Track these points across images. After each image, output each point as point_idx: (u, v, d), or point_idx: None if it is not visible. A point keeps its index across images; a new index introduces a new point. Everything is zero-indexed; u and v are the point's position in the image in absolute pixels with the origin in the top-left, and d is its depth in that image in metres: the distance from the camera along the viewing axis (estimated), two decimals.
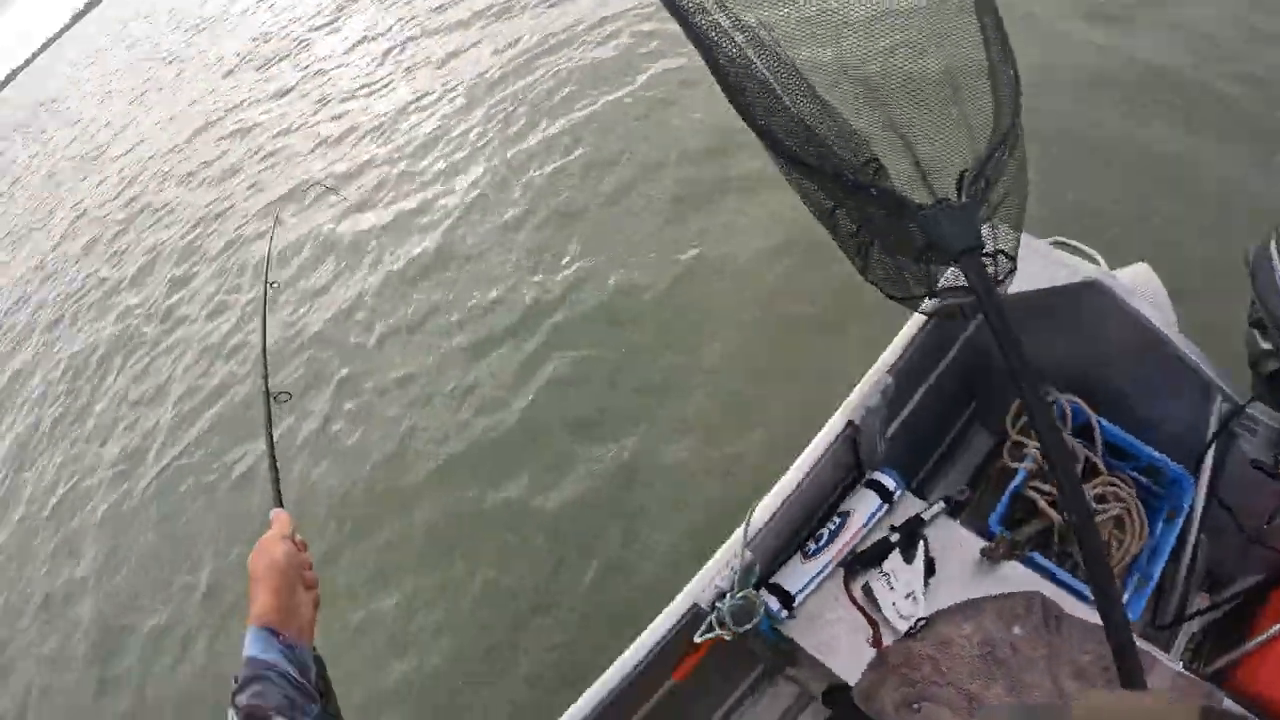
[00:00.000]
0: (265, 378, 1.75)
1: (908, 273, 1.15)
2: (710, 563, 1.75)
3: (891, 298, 1.21)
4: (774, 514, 1.78)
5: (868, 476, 1.95)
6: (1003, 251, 1.05)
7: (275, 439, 1.61)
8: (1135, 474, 2.00)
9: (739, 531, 1.76)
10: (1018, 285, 1.93)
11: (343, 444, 4.58)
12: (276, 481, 1.42)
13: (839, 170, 1.03)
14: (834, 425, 1.86)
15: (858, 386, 1.90)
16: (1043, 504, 1.92)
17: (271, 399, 1.70)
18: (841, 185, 1.04)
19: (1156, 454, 1.96)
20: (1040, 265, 1.95)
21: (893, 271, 1.17)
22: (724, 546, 1.77)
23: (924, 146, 1.10)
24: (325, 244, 6.47)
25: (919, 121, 1.11)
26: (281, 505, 1.31)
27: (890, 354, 1.93)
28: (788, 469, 1.84)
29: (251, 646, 0.92)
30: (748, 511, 1.78)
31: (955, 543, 1.82)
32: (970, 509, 2.03)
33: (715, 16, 0.99)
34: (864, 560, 1.82)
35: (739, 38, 1.01)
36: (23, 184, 14.18)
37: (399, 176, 6.88)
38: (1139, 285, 2.02)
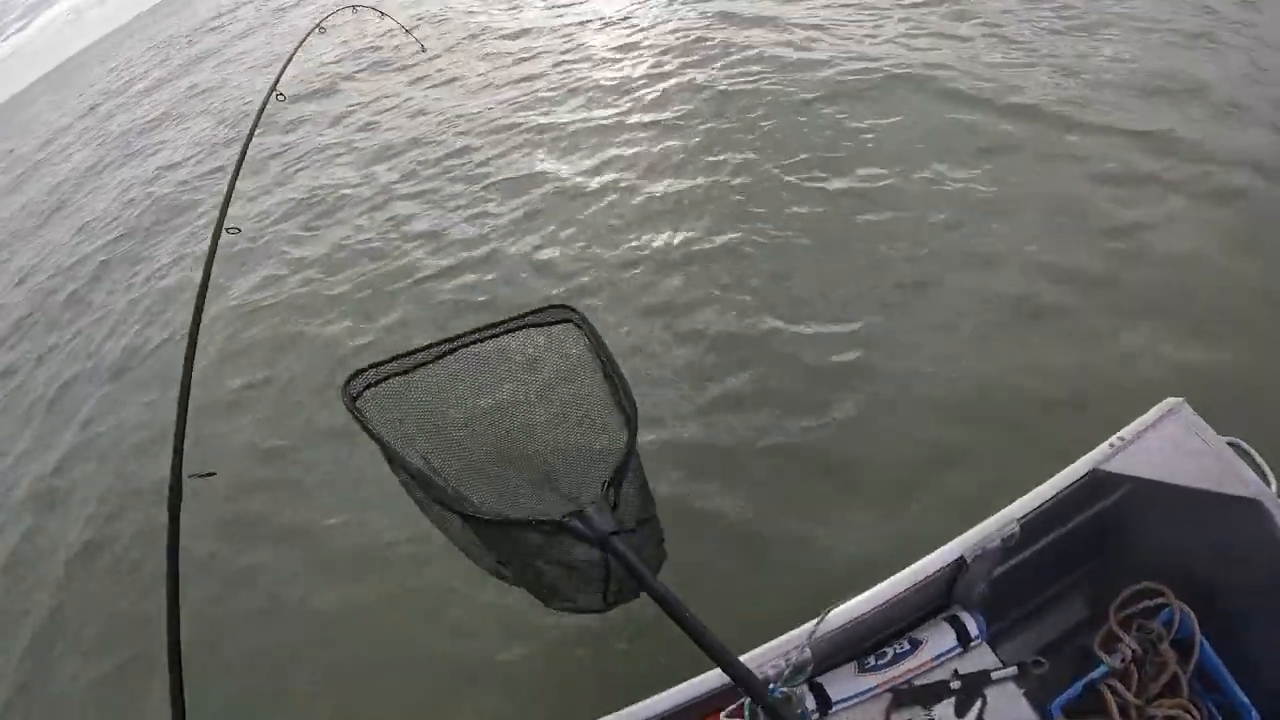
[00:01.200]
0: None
1: (579, 587, 1.33)
2: (765, 646, 1.67)
3: (579, 610, 1.41)
4: (849, 621, 1.68)
5: (952, 611, 1.83)
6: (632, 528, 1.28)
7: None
8: (1215, 708, 1.87)
9: (808, 626, 1.67)
10: (1176, 475, 1.80)
11: None
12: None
13: (507, 518, 1.27)
14: (944, 555, 1.73)
15: (981, 525, 1.76)
16: (1113, 707, 1.80)
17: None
18: (509, 529, 1.25)
19: (1245, 698, 1.82)
20: (1209, 463, 1.79)
21: (569, 589, 1.35)
22: (785, 636, 1.68)
23: (572, 474, 1.40)
24: None
25: (563, 458, 1.42)
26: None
27: (1024, 504, 1.79)
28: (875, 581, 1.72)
29: None
30: (824, 610, 1.68)
31: (1014, 715, 1.72)
32: (1039, 679, 1.92)
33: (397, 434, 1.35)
34: (917, 696, 1.73)
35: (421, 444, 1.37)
36: None
37: None
38: None
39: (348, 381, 1.31)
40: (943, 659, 1.77)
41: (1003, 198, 4.26)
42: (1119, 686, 1.84)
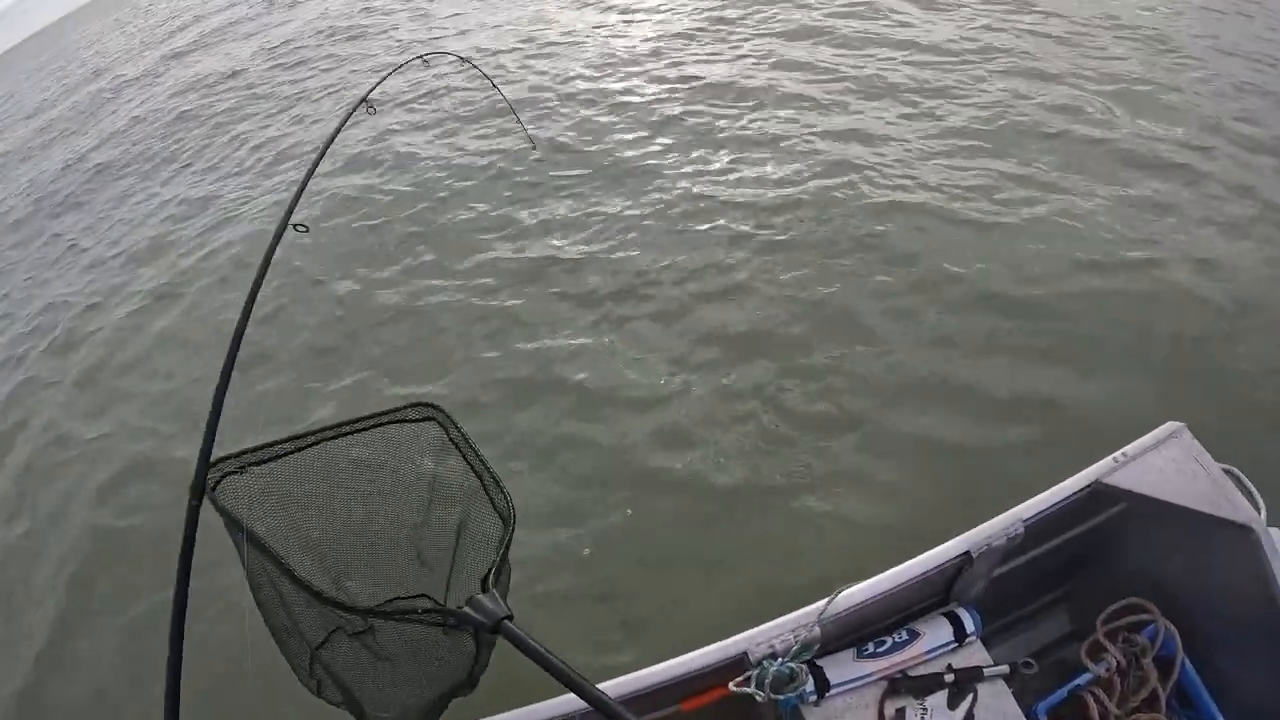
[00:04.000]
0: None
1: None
2: (776, 621, 1.69)
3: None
4: (854, 606, 1.71)
5: (951, 607, 1.88)
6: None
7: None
8: None
9: (818, 605, 1.70)
10: (1170, 494, 1.87)
11: None
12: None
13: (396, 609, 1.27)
14: (950, 549, 1.78)
15: (989, 523, 1.81)
16: (1094, 714, 1.85)
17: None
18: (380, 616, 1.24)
19: (1220, 717, 1.89)
20: (1204, 486, 1.86)
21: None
22: (797, 613, 1.71)
23: (444, 565, 1.44)
24: None
25: (436, 550, 1.45)
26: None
27: (1031, 505, 1.85)
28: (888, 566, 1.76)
29: None
30: (834, 591, 1.71)
31: (1001, 712, 1.76)
32: (1027, 681, 1.97)
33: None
34: (911, 686, 1.76)
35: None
36: None
37: None
38: None
39: (205, 473, 1.26)
40: (938, 652, 1.80)
41: None
42: (1101, 695, 1.89)
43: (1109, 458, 1.90)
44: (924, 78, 6.31)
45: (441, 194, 6.07)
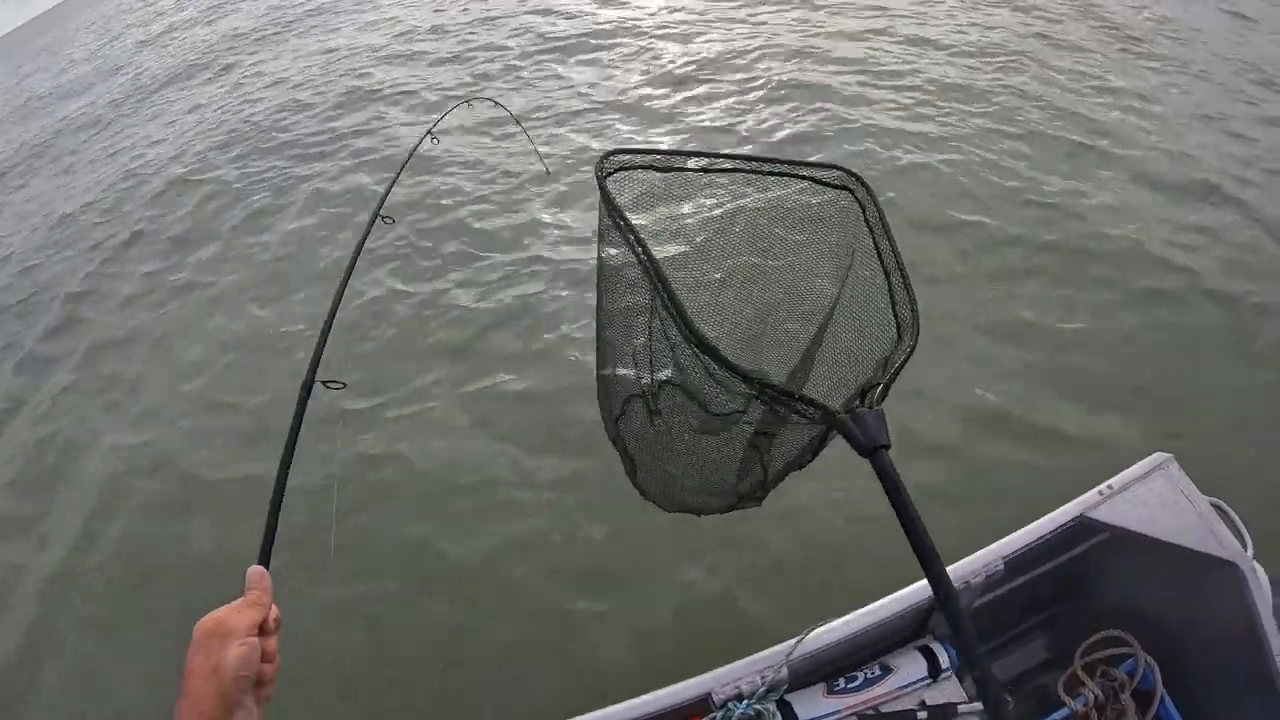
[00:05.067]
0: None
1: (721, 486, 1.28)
2: (743, 662, 1.65)
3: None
4: (826, 644, 1.66)
5: (925, 641, 1.83)
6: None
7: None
8: None
9: (787, 645, 1.66)
10: (1158, 529, 1.81)
11: None
12: (273, 524, 1.18)
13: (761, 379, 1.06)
14: (926, 586, 1.72)
15: (968, 559, 1.76)
16: None
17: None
18: (764, 393, 1.07)
19: None
20: (1190, 520, 1.81)
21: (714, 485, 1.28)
22: (763, 653, 1.66)
23: (822, 363, 1.25)
24: None
25: (814, 340, 1.26)
26: (267, 562, 1.07)
27: (1012, 541, 1.79)
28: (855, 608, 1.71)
29: None
30: (804, 631, 1.66)
31: None
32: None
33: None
34: None
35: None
36: None
37: None
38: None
39: (604, 158, 1.16)
40: (911, 688, 1.77)
41: None
42: None
43: (1095, 490, 1.84)
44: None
45: None
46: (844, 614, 1.71)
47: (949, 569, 1.72)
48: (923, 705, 1.76)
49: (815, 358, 1.26)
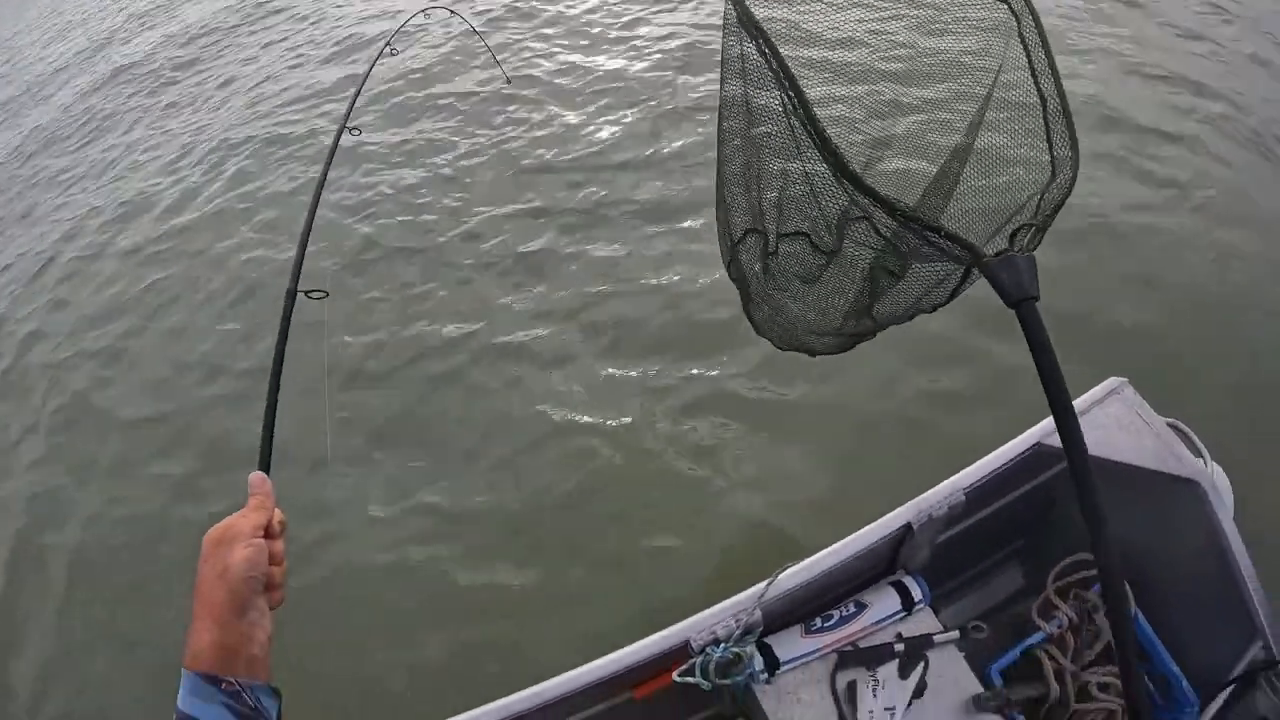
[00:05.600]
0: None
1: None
2: (717, 608, 1.70)
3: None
4: (798, 585, 1.72)
5: (897, 576, 1.89)
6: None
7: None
8: (1146, 677, 1.95)
9: (758, 588, 1.71)
10: (1118, 452, 1.86)
11: None
12: (270, 431, 1.17)
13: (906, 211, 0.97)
14: (890, 521, 1.78)
15: (929, 493, 1.81)
16: (1049, 671, 1.87)
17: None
18: (909, 225, 0.98)
19: (1175, 668, 1.90)
20: (1149, 442, 1.86)
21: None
22: (736, 598, 1.71)
23: (983, 198, 1.12)
24: None
25: (977, 175, 1.12)
26: (267, 468, 1.08)
27: (971, 473, 1.85)
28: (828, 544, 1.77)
29: (187, 699, 0.74)
30: (774, 572, 1.72)
31: (954, 676, 1.78)
32: (978, 643, 1.98)
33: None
34: (861, 658, 1.78)
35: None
36: None
37: None
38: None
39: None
40: (886, 622, 1.82)
41: None
42: (1055, 652, 1.91)
43: (1049, 418, 1.89)
44: None
45: None
46: (813, 554, 1.77)
47: (909, 504, 1.79)
48: (899, 638, 1.81)
49: (953, 192, 1.13)
